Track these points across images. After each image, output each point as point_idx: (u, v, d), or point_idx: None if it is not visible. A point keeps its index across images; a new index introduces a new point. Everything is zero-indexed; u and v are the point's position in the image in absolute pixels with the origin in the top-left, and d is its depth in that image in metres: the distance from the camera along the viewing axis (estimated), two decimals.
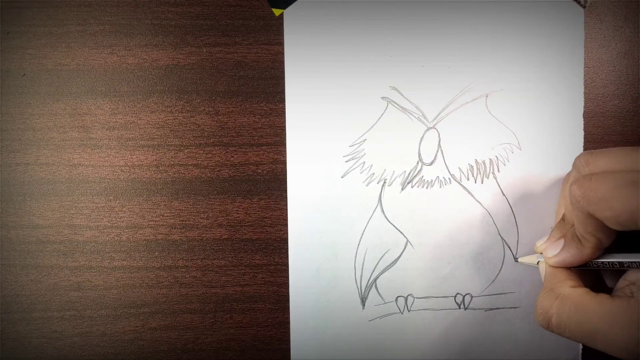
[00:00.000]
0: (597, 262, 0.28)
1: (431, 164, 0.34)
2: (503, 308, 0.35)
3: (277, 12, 0.34)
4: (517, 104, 0.34)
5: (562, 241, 0.29)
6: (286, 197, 0.35)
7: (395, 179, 0.34)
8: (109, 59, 0.35)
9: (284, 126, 0.34)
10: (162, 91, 0.35)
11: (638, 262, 0.26)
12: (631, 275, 0.27)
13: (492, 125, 0.34)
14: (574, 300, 0.26)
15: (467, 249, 0.35)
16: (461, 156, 0.34)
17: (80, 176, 0.35)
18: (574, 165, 0.28)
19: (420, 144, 0.34)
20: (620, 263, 0.27)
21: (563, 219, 0.30)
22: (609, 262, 0.27)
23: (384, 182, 0.34)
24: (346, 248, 0.34)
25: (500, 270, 0.35)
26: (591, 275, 0.30)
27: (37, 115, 0.35)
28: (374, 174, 0.34)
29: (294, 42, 0.34)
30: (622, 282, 0.27)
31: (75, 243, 0.35)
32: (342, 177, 0.34)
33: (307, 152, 0.34)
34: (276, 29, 0.34)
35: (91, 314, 0.35)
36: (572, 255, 0.28)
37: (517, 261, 0.34)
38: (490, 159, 0.34)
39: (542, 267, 0.31)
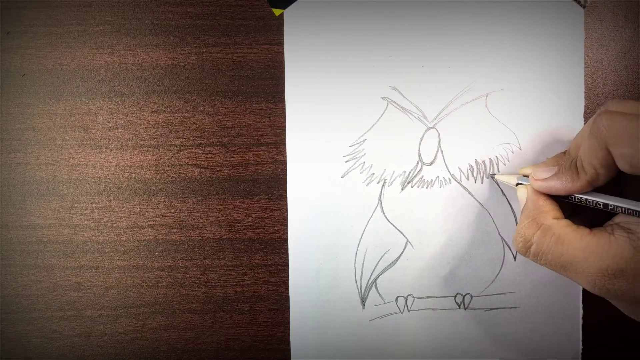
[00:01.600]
0: (584, 198, 0.28)
1: (431, 164, 0.34)
2: (503, 308, 0.35)
3: (277, 12, 0.34)
4: (517, 104, 0.34)
5: (555, 168, 0.29)
6: (286, 197, 0.35)
7: (395, 179, 0.34)
8: (109, 59, 0.35)
9: (284, 126, 0.34)
10: (162, 91, 0.35)
11: (626, 207, 0.27)
12: (617, 217, 0.27)
13: (492, 125, 0.34)
14: (556, 232, 0.27)
15: (467, 249, 0.35)
16: (461, 156, 0.34)
17: (80, 176, 0.35)
18: (605, 104, 0.28)
19: (420, 144, 0.34)
20: (606, 204, 0.27)
21: (564, 153, 0.30)
22: (596, 201, 0.28)
23: (384, 182, 0.34)
24: (346, 248, 0.34)
25: (500, 270, 0.35)
26: (568, 209, 0.30)
27: (37, 115, 0.35)
28: (374, 174, 0.34)
29: (294, 42, 0.34)
30: (605, 221, 0.28)
31: (75, 243, 0.35)
32: (342, 177, 0.34)
33: (307, 152, 0.34)
34: (276, 29, 0.34)
35: (91, 314, 0.35)
36: (562, 183, 0.28)
37: (493, 178, 0.34)
38: (490, 159, 0.34)
39: (522, 192, 0.31)
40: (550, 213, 0.29)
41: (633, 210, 0.26)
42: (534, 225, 0.28)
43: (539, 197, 0.30)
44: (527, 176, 0.31)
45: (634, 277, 0.25)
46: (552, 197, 0.29)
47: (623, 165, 0.25)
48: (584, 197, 0.28)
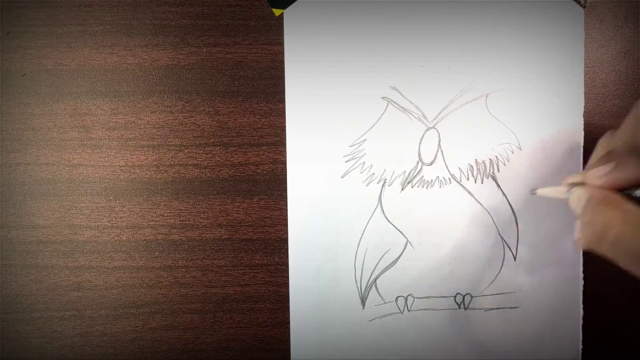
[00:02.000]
0: None
1: (431, 164, 0.34)
2: (503, 308, 0.35)
3: (277, 12, 0.34)
4: (517, 104, 0.34)
5: (612, 163, 0.25)
6: (286, 197, 0.35)
7: (395, 179, 0.34)
8: (109, 59, 0.35)
9: (284, 126, 0.34)
10: (162, 91, 0.35)
11: None
12: None
13: (492, 125, 0.34)
14: (638, 217, 0.23)
15: (467, 249, 0.35)
16: (461, 156, 0.34)
17: (80, 176, 0.35)
18: None
19: (420, 144, 0.34)
20: None
21: (607, 153, 0.27)
22: None
23: (384, 182, 0.34)
24: (346, 248, 0.34)
25: (500, 270, 0.35)
26: None
27: (37, 115, 0.35)
28: (374, 174, 0.34)
29: (294, 42, 0.34)
30: None
31: (75, 243, 0.35)
32: (342, 177, 0.34)
33: (307, 152, 0.34)
34: (276, 29, 0.34)
35: (91, 314, 0.35)
36: (627, 171, 0.25)
37: (536, 194, 0.31)
38: (490, 159, 0.34)
39: (575, 198, 0.27)
40: (622, 202, 0.24)
41: None
42: (609, 209, 0.24)
43: (604, 190, 0.26)
44: (575, 184, 0.28)
45: None
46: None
47: None
48: None
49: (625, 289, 0.35)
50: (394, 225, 0.35)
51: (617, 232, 0.23)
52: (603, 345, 0.35)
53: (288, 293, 0.35)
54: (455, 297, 0.35)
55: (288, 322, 0.35)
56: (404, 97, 0.34)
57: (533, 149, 0.34)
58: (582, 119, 0.34)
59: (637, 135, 0.25)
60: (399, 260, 0.35)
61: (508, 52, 0.34)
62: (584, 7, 0.34)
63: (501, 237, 0.35)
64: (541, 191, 0.31)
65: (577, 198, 0.27)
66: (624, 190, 0.25)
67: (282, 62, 0.34)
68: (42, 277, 0.35)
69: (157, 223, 0.35)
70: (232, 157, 0.35)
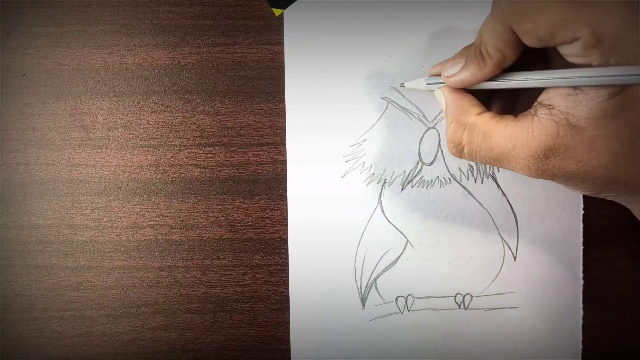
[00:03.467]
0: (499, 83, 0.27)
1: (431, 164, 0.34)
2: (503, 308, 0.35)
3: (277, 12, 0.34)
4: None
5: (463, 60, 0.28)
6: (286, 197, 0.35)
7: (395, 179, 0.34)
8: (109, 59, 0.35)
9: (284, 126, 0.34)
10: (162, 91, 0.35)
11: (540, 79, 0.26)
12: (540, 97, 0.27)
13: None
14: (481, 128, 0.27)
15: (467, 249, 0.35)
16: None
17: (80, 176, 0.35)
18: None
19: (420, 144, 0.34)
20: (515, 81, 0.27)
21: (470, 45, 0.29)
22: (506, 80, 0.27)
23: (384, 182, 0.34)
24: (346, 248, 0.34)
25: (500, 270, 0.35)
26: (498, 98, 0.30)
27: (37, 115, 0.35)
28: (374, 174, 0.34)
29: (294, 42, 0.34)
30: (531, 104, 0.27)
31: (75, 243, 0.35)
32: (342, 177, 0.34)
33: (307, 152, 0.34)
34: (276, 29, 0.34)
35: (91, 314, 0.35)
36: (472, 73, 0.28)
37: (404, 86, 0.33)
38: None
39: (440, 95, 0.30)
40: (472, 110, 0.28)
41: (543, 80, 0.26)
42: (460, 127, 0.28)
43: (457, 96, 0.29)
44: (439, 76, 0.30)
45: (564, 153, 0.25)
46: (471, 91, 0.29)
47: (530, 41, 0.25)
48: (496, 83, 0.27)
49: (625, 289, 0.35)
50: (394, 225, 0.35)
51: (468, 150, 0.28)
52: (603, 346, 0.35)
53: (288, 293, 0.35)
54: (455, 297, 0.35)
55: (288, 322, 0.35)
56: (404, 97, 0.34)
57: None
58: None
59: (482, 34, 0.27)
60: (399, 260, 0.35)
61: None
62: None
63: (501, 237, 0.35)
64: (407, 84, 0.33)
65: (439, 100, 0.30)
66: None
67: (282, 62, 0.34)
68: (42, 277, 0.35)
69: (157, 223, 0.35)
70: (232, 157, 0.35)
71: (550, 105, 0.26)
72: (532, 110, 0.26)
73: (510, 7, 0.25)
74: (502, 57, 0.26)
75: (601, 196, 0.28)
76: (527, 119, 0.26)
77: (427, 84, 0.31)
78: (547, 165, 0.25)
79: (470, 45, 0.29)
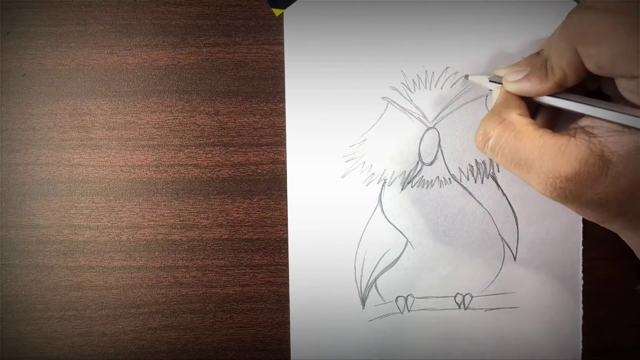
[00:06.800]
0: (552, 100, 0.27)
1: (431, 164, 0.34)
2: (503, 308, 0.35)
3: (277, 12, 0.34)
4: None
5: (527, 70, 0.28)
6: (286, 197, 0.35)
7: (395, 179, 0.34)
8: (109, 59, 0.35)
9: (284, 126, 0.34)
10: (162, 91, 0.35)
11: (592, 106, 0.26)
12: (583, 121, 0.27)
13: None
14: (517, 128, 0.27)
15: (467, 249, 0.35)
16: (461, 156, 0.34)
17: (80, 176, 0.35)
18: None
19: (420, 144, 0.34)
20: (577, 105, 0.27)
21: (538, 53, 0.29)
22: (560, 102, 0.27)
23: (384, 182, 0.34)
24: (346, 248, 0.34)
25: (500, 270, 0.35)
26: (544, 113, 0.30)
27: (37, 115, 0.35)
28: (374, 174, 0.34)
29: (294, 42, 0.34)
30: (571, 125, 0.27)
31: (75, 243, 0.35)
32: (342, 177, 0.34)
33: (307, 152, 0.34)
34: (276, 29, 0.34)
35: (91, 314, 0.35)
36: (532, 84, 0.28)
37: (467, 78, 0.33)
38: (490, 159, 0.34)
39: (496, 93, 0.30)
40: (515, 110, 0.28)
41: (594, 110, 0.26)
42: (496, 118, 0.28)
43: (509, 96, 0.29)
44: (502, 77, 0.30)
45: (585, 180, 0.25)
46: (524, 99, 0.29)
47: (591, 66, 0.25)
48: (552, 99, 0.27)
49: (625, 289, 0.35)
50: (394, 225, 0.35)
51: (493, 143, 0.27)
52: (603, 345, 0.35)
53: (288, 293, 0.35)
54: (455, 297, 0.35)
55: (288, 322, 0.35)
56: (404, 97, 0.34)
57: None
58: None
59: (549, 49, 0.27)
60: (399, 260, 0.35)
61: (508, 52, 0.34)
62: None
63: (501, 237, 0.35)
64: (472, 78, 0.33)
65: (494, 97, 0.30)
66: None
67: (282, 62, 0.34)
68: (42, 277, 0.35)
69: (157, 223, 0.35)
70: (232, 157, 0.35)
71: (592, 134, 0.25)
72: (571, 132, 0.26)
73: (576, 27, 0.25)
74: (564, 77, 0.26)
75: (605, 226, 0.28)
76: (563, 138, 0.26)
77: (490, 81, 0.31)
78: (564, 187, 0.25)
79: (537, 54, 0.29)
